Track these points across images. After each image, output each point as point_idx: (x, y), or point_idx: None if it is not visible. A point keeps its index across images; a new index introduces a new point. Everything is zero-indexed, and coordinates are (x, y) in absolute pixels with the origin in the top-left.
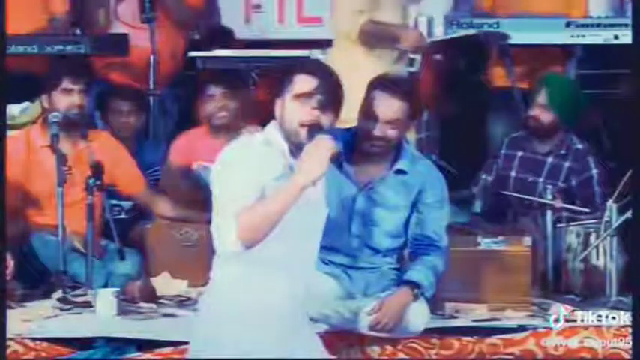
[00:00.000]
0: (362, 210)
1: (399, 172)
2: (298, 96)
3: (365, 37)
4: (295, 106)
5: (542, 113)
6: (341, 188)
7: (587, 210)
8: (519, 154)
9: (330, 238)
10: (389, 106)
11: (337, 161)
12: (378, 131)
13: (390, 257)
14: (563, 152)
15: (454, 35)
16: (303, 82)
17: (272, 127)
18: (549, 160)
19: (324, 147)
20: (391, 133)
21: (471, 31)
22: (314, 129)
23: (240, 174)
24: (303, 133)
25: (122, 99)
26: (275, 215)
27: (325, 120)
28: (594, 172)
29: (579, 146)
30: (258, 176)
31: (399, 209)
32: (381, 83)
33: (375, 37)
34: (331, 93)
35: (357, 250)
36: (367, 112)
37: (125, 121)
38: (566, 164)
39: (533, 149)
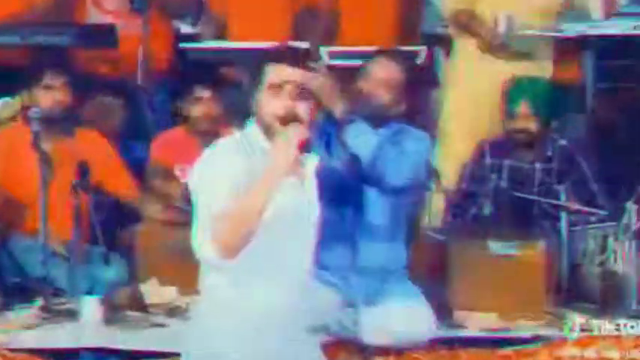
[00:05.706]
0: (360, 199)
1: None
2: (270, 87)
3: (454, 21)
4: (269, 99)
5: (529, 124)
6: (334, 182)
7: (605, 212)
8: (506, 162)
9: (327, 236)
10: (388, 67)
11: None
12: (370, 87)
13: (392, 252)
14: (549, 154)
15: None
16: (275, 72)
17: (251, 126)
18: (537, 166)
19: (292, 135)
20: (381, 92)
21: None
22: (290, 120)
23: (217, 177)
24: (278, 126)
25: (107, 93)
26: (251, 218)
27: (302, 111)
28: (585, 170)
29: (562, 142)
30: (237, 179)
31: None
32: (388, 53)
33: (461, 25)
34: (306, 82)
35: (356, 243)
36: (365, 74)
37: (112, 117)
38: (555, 166)
39: (519, 157)
